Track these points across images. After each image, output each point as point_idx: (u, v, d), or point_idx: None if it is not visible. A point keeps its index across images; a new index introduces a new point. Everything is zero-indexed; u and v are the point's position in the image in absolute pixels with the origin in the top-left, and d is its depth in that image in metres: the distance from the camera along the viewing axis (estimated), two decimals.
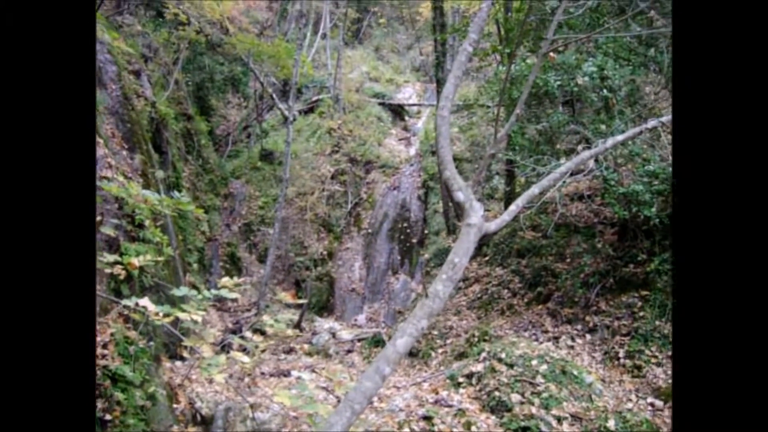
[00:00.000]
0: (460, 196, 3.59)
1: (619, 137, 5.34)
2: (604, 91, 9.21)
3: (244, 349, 7.29)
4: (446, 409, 7.37)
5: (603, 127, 9.06)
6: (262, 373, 9.95)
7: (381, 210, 18.85)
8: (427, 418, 7.17)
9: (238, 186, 18.41)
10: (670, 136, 8.66)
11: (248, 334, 5.47)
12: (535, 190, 4.32)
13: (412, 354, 10.78)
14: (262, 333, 8.90)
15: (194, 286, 11.01)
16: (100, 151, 7.99)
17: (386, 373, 2.74)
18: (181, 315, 4.35)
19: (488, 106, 14.52)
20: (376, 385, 2.70)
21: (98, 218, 6.02)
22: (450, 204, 15.54)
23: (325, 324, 14.22)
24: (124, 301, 4.36)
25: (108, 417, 5.49)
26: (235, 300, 14.31)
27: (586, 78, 9.14)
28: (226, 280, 5.00)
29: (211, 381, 8.14)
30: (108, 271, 4.95)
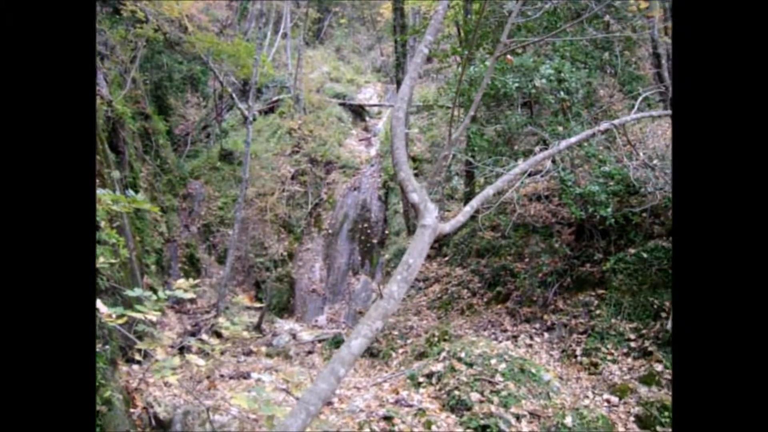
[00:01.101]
0: (414, 197, 3.61)
1: (572, 139, 5.44)
2: (561, 93, 9.35)
3: (203, 352, 7.21)
4: (406, 409, 7.39)
5: (560, 128, 9.20)
6: (222, 376, 9.84)
7: (341, 210, 18.82)
8: (388, 418, 7.18)
9: (197, 186, 18.15)
10: (624, 138, 8.84)
11: (206, 336, 5.42)
12: (489, 191, 4.37)
13: (372, 354, 10.79)
14: (220, 335, 8.82)
15: (152, 288, 10.86)
16: None
17: (341, 375, 2.75)
18: (136, 315, 4.30)
19: (448, 107, 14.61)
20: (331, 386, 2.71)
21: None
22: (410, 204, 15.59)
23: (285, 325, 14.13)
24: None
25: None
26: (194, 302, 14.13)
27: (544, 80, 9.27)
28: (182, 281, 4.95)
29: (168, 384, 8.02)
30: None
